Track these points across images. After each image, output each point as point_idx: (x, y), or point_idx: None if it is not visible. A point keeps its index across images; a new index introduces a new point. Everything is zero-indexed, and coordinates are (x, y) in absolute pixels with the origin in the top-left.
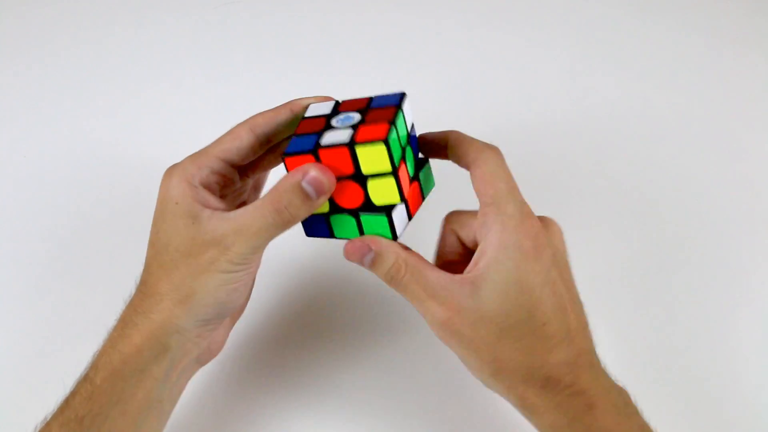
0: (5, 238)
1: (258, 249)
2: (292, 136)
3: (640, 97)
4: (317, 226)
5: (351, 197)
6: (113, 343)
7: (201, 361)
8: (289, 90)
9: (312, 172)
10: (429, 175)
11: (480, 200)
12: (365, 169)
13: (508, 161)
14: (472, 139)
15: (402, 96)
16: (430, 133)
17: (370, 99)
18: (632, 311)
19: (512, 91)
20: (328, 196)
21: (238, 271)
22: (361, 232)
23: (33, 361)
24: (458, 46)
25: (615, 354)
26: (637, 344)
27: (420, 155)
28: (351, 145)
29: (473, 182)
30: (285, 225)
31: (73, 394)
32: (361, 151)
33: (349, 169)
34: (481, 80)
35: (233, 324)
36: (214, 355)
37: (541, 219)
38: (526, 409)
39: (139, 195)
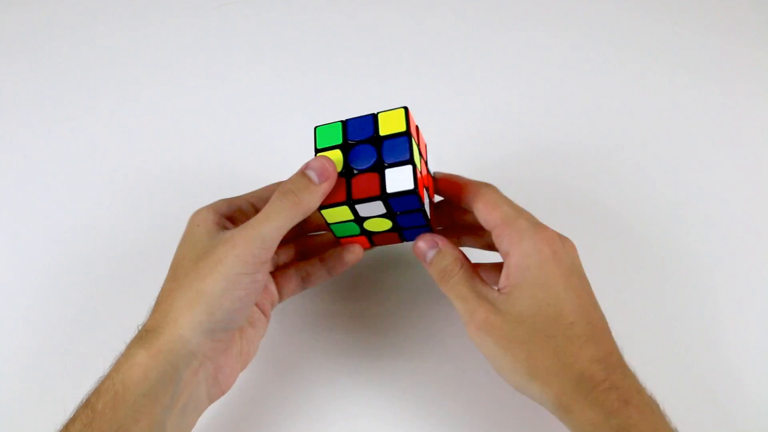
0: (4, 242)
1: (265, 243)
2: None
3: (639, 99)
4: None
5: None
6: (117, 367)
7: (211, 397)
8: (290, 91)
9: (313, 162)
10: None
11: (490, 226)
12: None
13: (509, 166)
14: (469, 180)
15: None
16: (437, 172)
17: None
18: (634, 314)
19: (512, 92)
20: (331, 182)
21: (243, 273)
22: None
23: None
24: (459, 47)
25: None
26: (640, 347)
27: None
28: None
29: (477, 215)
30: (291, 209)
31: (73, 420)
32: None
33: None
34: (482, 82)
35: (244, 366)
36: (224, 392)
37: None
38: (562, 408)
39: (138, 197)
